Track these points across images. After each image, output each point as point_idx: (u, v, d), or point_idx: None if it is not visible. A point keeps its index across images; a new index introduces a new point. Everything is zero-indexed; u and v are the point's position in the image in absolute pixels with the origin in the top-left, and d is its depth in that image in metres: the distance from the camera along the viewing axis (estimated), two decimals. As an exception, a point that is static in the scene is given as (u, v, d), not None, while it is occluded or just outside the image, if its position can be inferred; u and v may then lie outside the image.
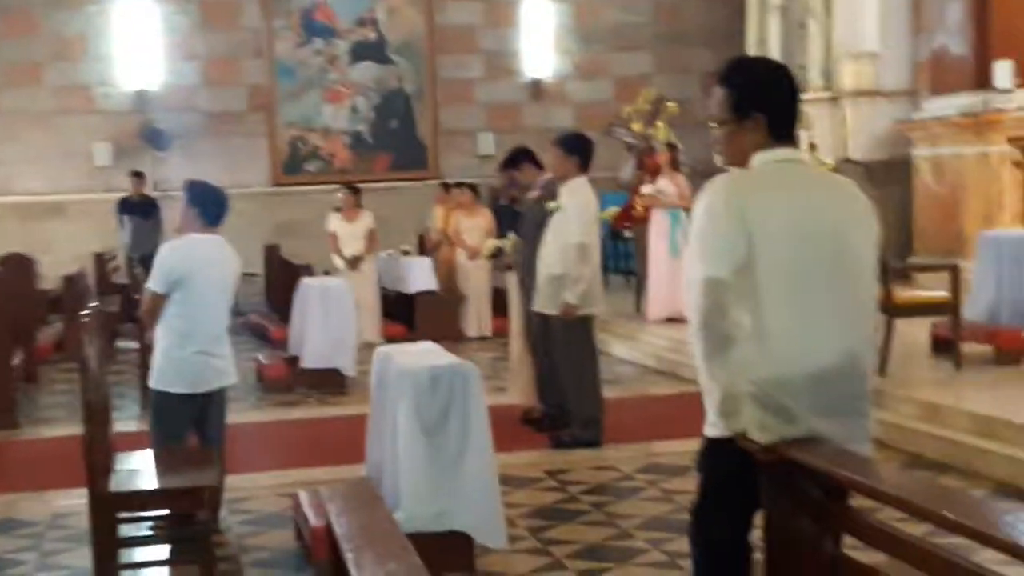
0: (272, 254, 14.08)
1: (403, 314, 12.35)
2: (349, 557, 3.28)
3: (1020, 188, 10.32)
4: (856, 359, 3.51)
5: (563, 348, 7.32)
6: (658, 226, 11.31)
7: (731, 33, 15.50)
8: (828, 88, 12.96)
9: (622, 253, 13.56)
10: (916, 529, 3.54)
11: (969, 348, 7.99)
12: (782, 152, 3.55)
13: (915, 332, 8.19)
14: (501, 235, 9.04)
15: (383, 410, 5.31)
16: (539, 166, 8.06)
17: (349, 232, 12.13)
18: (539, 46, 16.58)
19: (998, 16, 11.00)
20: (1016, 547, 2.67)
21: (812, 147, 12.22)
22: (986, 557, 2.87)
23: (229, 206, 5.72)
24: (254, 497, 6.40)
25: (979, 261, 8.42)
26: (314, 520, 5.02)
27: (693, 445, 3.59)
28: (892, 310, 7.66)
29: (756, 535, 3.54)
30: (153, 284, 5.50)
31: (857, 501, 3.33)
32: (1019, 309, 7.96)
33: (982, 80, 10.93)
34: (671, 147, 12.18)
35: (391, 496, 5.04)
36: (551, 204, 7.40)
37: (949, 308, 7.92)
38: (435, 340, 6.54)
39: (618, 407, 8.04)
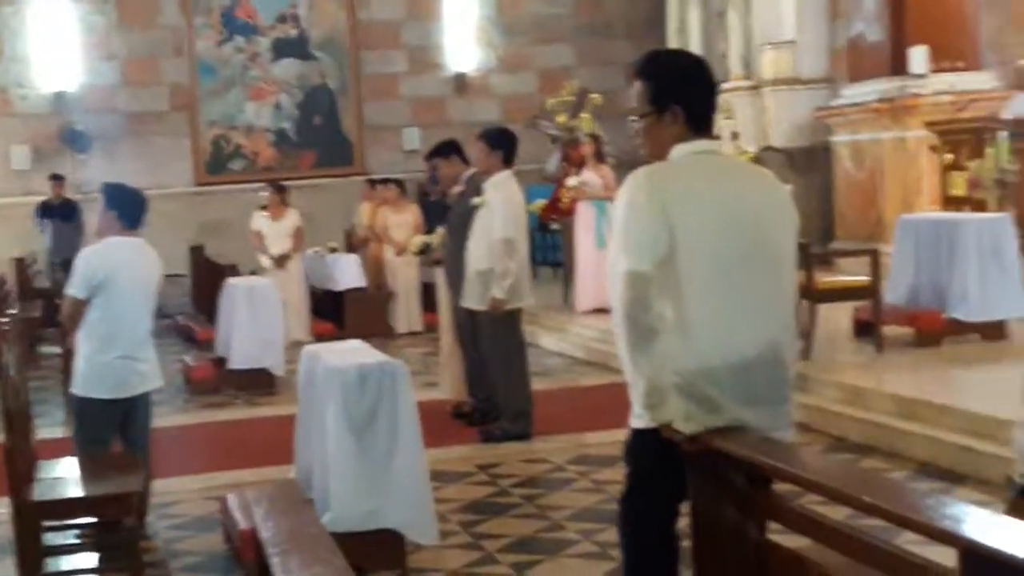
0: (197, 255, 13.92)
1: (332, 312, 12.29)
2: (275, 561, 3.26)
3: (937, 172, 10.51)
4: (778, 348, 3.56)
5: (491, 342, 7.34)
6: (584, 218, 11.37)
7: (652, 24, 15.61)
8: (749, 77, 13.10)
9: (549, 245, 13.60)
10: (839, 513, 3.60)
11: (890, 331, 8.12)
12: (701, 144, 3.59)
13: (838, 317, 8.31)
14: (429, 230, 9.03)
15: (311, 410, 5.29)
16: (466, 160, 8.06)
17: (275, 231, 12.04)
18: (462, 40, 16.56)
19: (913, 3, 11.17)
20: (933, 529, 2.72)
21: (735, 136, 12.36)
22: (906, 539, 2.93)
23: (148, 208, 5.65)
24: (182, 501, 6.34)
25: (898, 245, 8.55)
26: (242, 523, 4.99)
27: (623, 435, 3.63)
28: (814, 295, 7.77)
29: (683, 524, 3.58)
30: (73, 290, 5.43)
31: (782, 487, 3.38)
32: (938, 291, 8.10)
33: (898, 66, 11.10)
34: (595, 139, 12.23)
35: (321, 496, 5.02)
36: (476, 199, 7.41)
37: (870, 292, 8.05)
38: (365, 337, 6.53)
39: (548, 399, 8.07)
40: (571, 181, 11.75)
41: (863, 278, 8.14)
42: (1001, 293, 7.89)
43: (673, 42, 13.98)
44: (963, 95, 10.87)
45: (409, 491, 4.99)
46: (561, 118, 14.12)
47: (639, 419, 3.55)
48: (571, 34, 16.88)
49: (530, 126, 13.42)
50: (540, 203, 12.23)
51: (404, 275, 12.32)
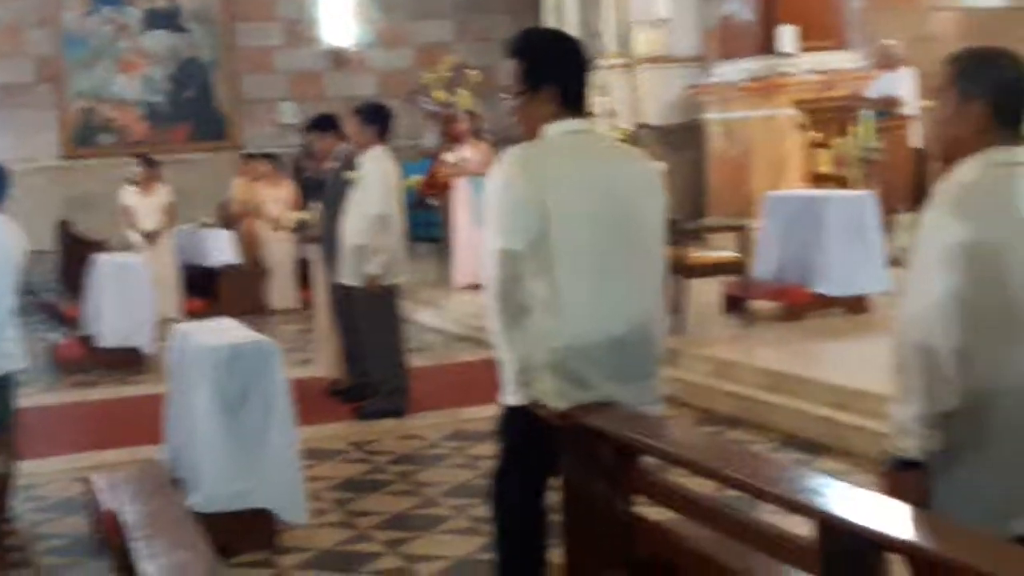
0: (64, 230, 13.57)
1: (206, 289, 12.09)
2: (138, 545, 3.22)
3: (804, 150, 10.76)
4: (647, 324, 3.63)
5: (367, 319, 7.31)
6: (462, 194, 11.38)
7: (528, 2, 15.63)
8: (623, 55, 13.21)
9: (427, 221, 13.57)
10: (709, 486, 3.69)
11: (759, 306, 8.31)
12: (574, 123, 3.62)
13: (709, 292, 8.47)
14: (305, 206, 8.94)
15: (182, 389, 5.22)
16: (342, 135, 7.99)
17: (145, 206, 11.79)
18: (339, 13, 16.38)
19: (784, -18, 11.37)
20: (791, 502, 2.81)
21: (610, 114, 12.47)
22: (772, 510, 3.02)
23: (12, 182, 5.48)
24: (48, 483, 6.20)
25: (765, 221, 8.75)
26: (106, 505, 4.90)
27: (497, 411, 3.66)
28: (686, 271, 7.91)
29: (556, 499, 3.63)
30: (-70, 268, 5.24)
31: (656, 461, 3.45)
32: (803, 266, 8.30)
33: (769, 45, 11.30)
34: (473, 115, 12.23)
35: (191, 476, 4.96)
36: (351, 174, 7.36)
37: (739, 268, 8.22)
38: (239, 314, 6.46)
39: (425, 375, 8.08)
40: (448, 157, 11.74)
41: (733, 254, 8.31)
42: (863, 268, 8.13)
43: (549, 19, 14.01)
44: (830, 74, 11.13)
45: (280, 471, 4.96)
46: (438, 94, 14.09)
47: (511, 396, 3.59)
48: (449, 10, 16.82)
49: (407, 101, 13.36)
50: (417, 179, 12.20)
51: (279, 251, 12.17)
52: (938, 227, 2.87)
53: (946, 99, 2.99)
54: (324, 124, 8.09)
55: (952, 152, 2.99)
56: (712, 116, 12.17)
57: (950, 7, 13.65)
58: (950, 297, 2.80)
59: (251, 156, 13.19)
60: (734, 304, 8.39)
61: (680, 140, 12.59)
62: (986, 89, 2.93)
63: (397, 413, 7.26)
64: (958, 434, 2.85)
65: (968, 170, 2.93)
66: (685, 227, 8.51)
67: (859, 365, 6.61)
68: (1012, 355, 2.84)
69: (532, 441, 3.61)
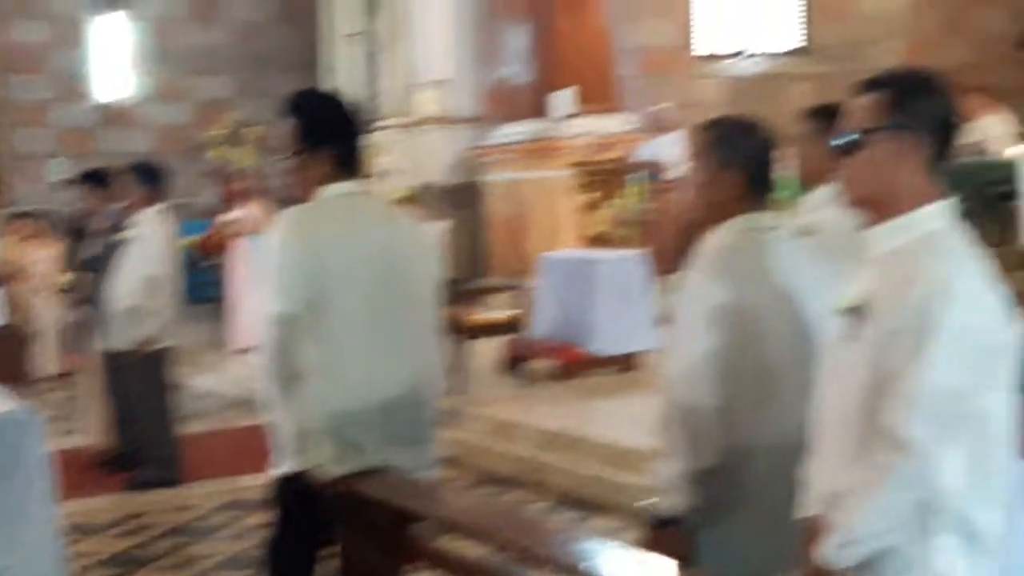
0: None
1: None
2: None
3: (579, 211, 11.02)
4: (421, 387, 3.64)
5: (137, 384, 7.06)
6: (241, 253, 11.20)
7: (309, 60, 15.59)
8: (403, 115, 13.29)
9: (205, 282, 13.27)
10: (483, 550, 3.70)
11: (539, 365, 8.43)
12: (349, 185, 3.63)
13: (488, 352, 8.54)
14: (74, 266, 8.61)
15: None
16: (115, 193, 7.73)
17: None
18: (114, 67, 15.94)
19: (559, 47, 11.67)
20: (562, 564, 2.85)
21: (391, 175, 12.52)
22: (548, 569, 3.05)
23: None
24: None
25: (541, 282, 8.91)
26: None
27: (273, 477, 3.59)
28: (465, 331, 7.97)
29: (331, 568, 3.58)
30: None
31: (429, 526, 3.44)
32: (578, 326, 8.47)
33: (545, 108, 11.57)
34: (253, 173, 12.09)
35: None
36: (122, 235, 7.14)
37: (517, 327, 8.34)
38: (1, 380, 6.12)
39: (200, 442, 7.85)
40: (229, 215, 11.55)
41: (511, 313, 8.43)
42: (633, 327, 8.34)
43: (327, 78, 14.01)
44: (604, 137, 11.47)
45: (41, 548, 4.72)
46: (219, 151, 13.87)
47: (286, 462, 3.54)
48: (229, 66, 16.57)
49: (186, 159, 13.09)
50: (195, 238, 11.94)
51: (46, 314, 11.67)
52: (700, 289, 2.99)
53: (703, 165, 3.12)
54: (94, 179, 7.84)
55: (710, 216, 3.12)
56: (492, 177, 12.35)
57: (714, 75, 14.34)
58: (712, 356, 2.91)
59: (18, 215, 12.66)
60: (514, 364, 8.49)
61: (462, 200, 12.72)
62: (742, 158, 3.07)
63: (169, 482, 7.02)
64: (719, 491, 2.95)
65: (724, 235, 3.06)
66: (464, 287, 8.59)
67: (629, 423, 6.76)
68: (768, 414, 2.96)
69: (307, 509, 3.56)
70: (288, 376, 3.46)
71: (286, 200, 3.90)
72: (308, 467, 3.48)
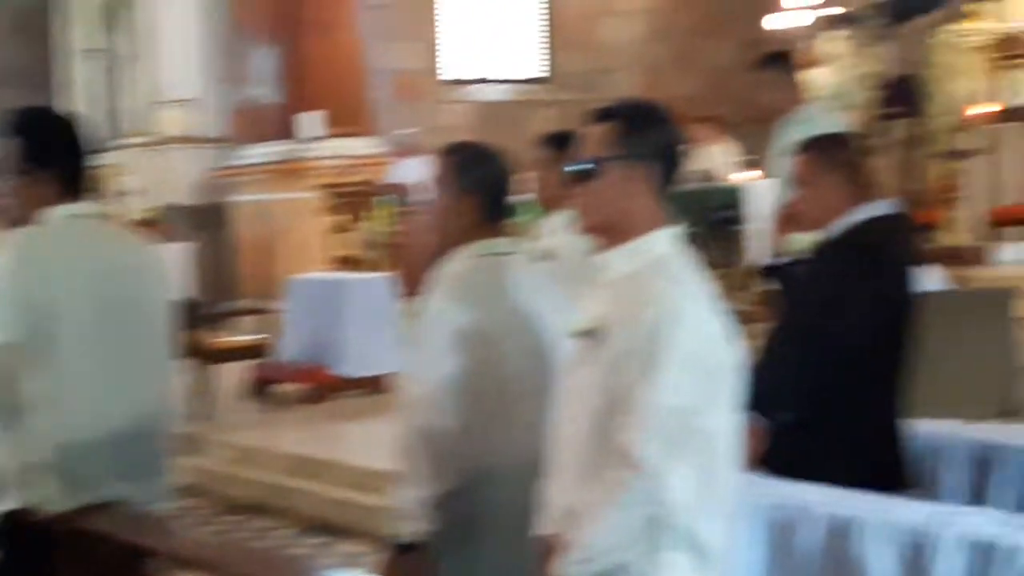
0: None
1: None
2: None
3: (328, 233, 10.95)
4: (153, 418, 3.51)
5: None
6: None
7: (43, 76, 14.89)
8: (146, 134, 12.89)
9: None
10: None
11: (286, 388, 8.29)
12: (78, 207, 3.47)
13: (234, 376, 8.35)
14: None
15: None
16: None
17: None
18: None
19: (309, 68, 11.58)
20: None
21: (133, 194, 12.12)
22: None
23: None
24: None
25: (289, 304, 8.79)
26: None
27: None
28: (208, 356, 7.77)
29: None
30: None
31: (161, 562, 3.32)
32: (327, 348, 8.39)
33: (293, 129, 11.46)
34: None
35: None
36: None
37: (263, 351, 8.19)
38: None
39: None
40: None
41: (257, 336, 8.27)
42: (380, 349, 8.30)
43: (63, 95, 13.44)
44: (352, 159, 11.44)
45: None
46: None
47: (6, 500, 3.35)
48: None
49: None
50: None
51: None
52: (440, 313, 3.01)
53: (443, 190, 3.14)
54: None
55: (449, 241, 3.14)
56: (239, 198, 12.13)
57: (461, 100, 14.53)
58: (452, 380, 2.92)
59: None
60: (261, 388, 8.32)
61: (207, 221, 12.44)
62: (478, 184, 3.11)
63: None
64: (460, 514, 2.96)
65: (462, 259, 3.09)
66: (210, 310, 8.38)
67: (377, 445, 6.67)
68: (508, 435, 2.99)
69: (33, 549, 3.37)
70: (9, 408, 3.28)
71: (11, 223, 3.70)
72: (32, 504, 3.30)
